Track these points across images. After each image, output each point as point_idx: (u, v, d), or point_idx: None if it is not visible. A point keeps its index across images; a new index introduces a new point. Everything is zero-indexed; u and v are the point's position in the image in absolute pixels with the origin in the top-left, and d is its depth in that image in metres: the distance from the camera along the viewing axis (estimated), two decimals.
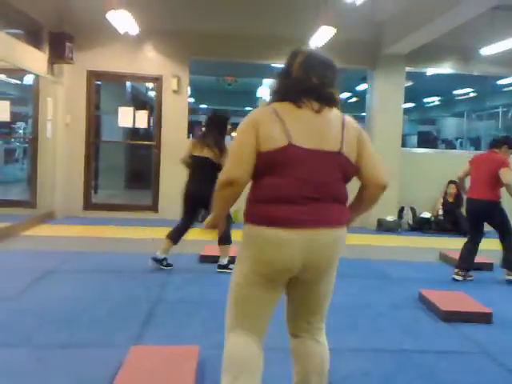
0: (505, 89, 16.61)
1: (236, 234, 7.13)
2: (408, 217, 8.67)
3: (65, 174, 8.16)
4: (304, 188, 2.03)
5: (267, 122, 2.05)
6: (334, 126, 2.10)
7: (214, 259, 5.55)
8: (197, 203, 5.11)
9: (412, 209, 8.68)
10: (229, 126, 5.35)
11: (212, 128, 5.21)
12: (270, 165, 2.04)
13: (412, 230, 8.47)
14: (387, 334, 3.70)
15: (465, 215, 5.73)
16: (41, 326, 3.50)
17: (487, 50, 8.04)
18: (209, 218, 2.30)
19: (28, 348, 3.17)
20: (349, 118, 2.17)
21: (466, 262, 5.41)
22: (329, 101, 2.13)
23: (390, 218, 8.46)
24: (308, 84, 2.12)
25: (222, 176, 2.07)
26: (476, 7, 6.04)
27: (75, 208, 8.29)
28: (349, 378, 2.95)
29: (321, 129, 2.08)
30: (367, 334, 3.69)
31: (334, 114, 2.14)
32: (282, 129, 2.03)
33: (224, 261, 5.28)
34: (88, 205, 8.38)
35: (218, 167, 4.73)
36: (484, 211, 5.36)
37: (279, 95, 2.15)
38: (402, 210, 8.70)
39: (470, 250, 5.43)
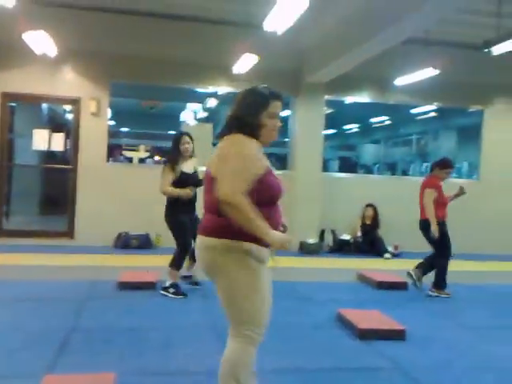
0: (418, 117, 17.66)
1: (158, 260, 7.02)
2: (329, 239, 8.91)
3: None
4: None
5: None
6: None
7: (132, 285, 5.43)
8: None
9: (333, 231, 8.93)
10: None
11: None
12: None
13: (332, 252, 8.70)
14: (306, 354, 3.75)
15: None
16: None
17: (401, 81, 8.54)
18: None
19: None
20: (228, 140, 2.41)
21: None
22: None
23: (312, 240, 8.65)
24: None
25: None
26: (388, 40, 6.40)
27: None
28: None
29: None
30: (287, 354, 3.72)
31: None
32: None
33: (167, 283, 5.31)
34: (2, 231, 7.95)
35: None
36: None
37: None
38: (323, 233, 8.92)
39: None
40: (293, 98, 9.34)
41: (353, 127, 23.28)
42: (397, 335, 4.17)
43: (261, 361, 3.52)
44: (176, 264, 5.31)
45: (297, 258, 8.18)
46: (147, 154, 9.21)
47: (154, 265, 6.86)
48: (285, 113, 15.45)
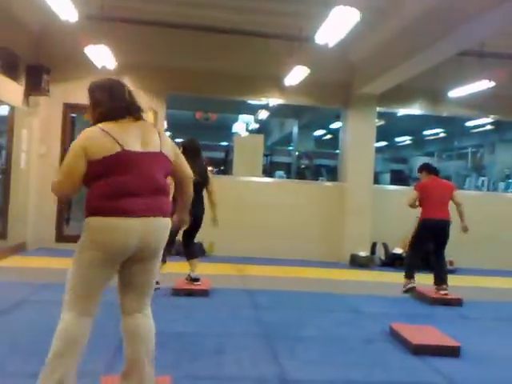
0: (473, 130, 17.20)
1: (211, 268, 7.15)
2: (380, 252, 8.80)
3: (37, 205, 8.08)
4: (138, 183, 2.51)
5: (96, 138, 2.50)
6: (150, 132, 2.64)
7: (186, 292, 5.56)
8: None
9: (384, 245, 8.81)
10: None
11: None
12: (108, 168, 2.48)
13: (384, 266, 8.58)
14: (359, 367, 3.72)
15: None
16: (11, 356, 3.45)
17: (455, 93, 8.39)
18: None
19: (0, 376, 3.12)
20: (159, 127, 2.72)
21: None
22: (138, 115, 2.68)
23: (363, 253, 8.57)
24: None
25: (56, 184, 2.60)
26: (443, 52, 6.34)
27: (47, 239, 8.18)
28: None
29: (137, 134, 2.58)
30: (340, 367, 3.71)
31: (146, 124, 2.71)
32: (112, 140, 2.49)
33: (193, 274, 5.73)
34: (60, 236, 8.28)
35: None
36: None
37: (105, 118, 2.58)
38: (374, 246, 8.82)
39: None
40: (344, 110, 9.33)
41: (405, 139, 22.90)
42: (451, 352, 4.07)
43: (313, 371, 3.55)
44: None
45: (348, 271, 8.13)
46: None
47: (207, 273, 6.98)
48: (336, 125, 15.54)
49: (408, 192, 6.94)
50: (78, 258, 2.56)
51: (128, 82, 8.50)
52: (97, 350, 3.71)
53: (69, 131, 8.57)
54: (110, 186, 2.48)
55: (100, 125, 2.55)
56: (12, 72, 7.51)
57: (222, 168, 17.28)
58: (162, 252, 2.69)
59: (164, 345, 3.90)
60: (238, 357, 3.74)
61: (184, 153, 5.56)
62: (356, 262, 8.50)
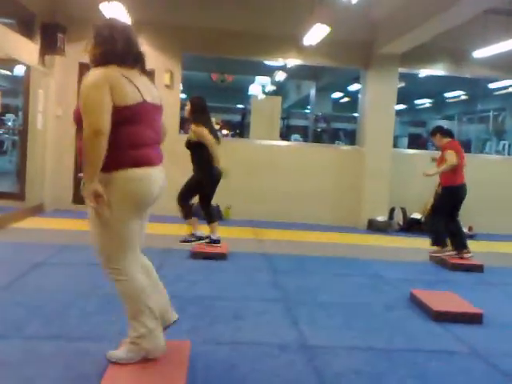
0: (496, 92, 16.74)
1: (228, 231, 7.13)
2: (398, 217, 8.69)
3: (55, 167, 8.07)
4: (152, 134, 2.60)
5: (121, 84, 2.44)
6: (153, 85, 2.72)
7: (204, 255, 5.54)
8: None
9: (402, 209, 8.70)
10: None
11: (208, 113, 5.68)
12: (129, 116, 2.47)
13: (402, 231, 8.49)
14: (379, 334, 3.68)
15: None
16: (31, 318, 3.45)
17: (480, 53, 8.08)
18: (92, 188, 2.39)
19: (18, 339, 3.12)
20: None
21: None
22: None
23: (381, 218, 8.48)
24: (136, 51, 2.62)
25: (88, 128, 2.35)
26: (470, 9, 6.05)
27: (64, 201, 8.20)
28: (341, 376, 2.92)
29: (150, 86, 2.65)
30: (361, 333, 3.67)
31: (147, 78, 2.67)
32: (134, 88, 2.48)
33: (214, 236, 5.81)
34: (77, 198, 8.29)
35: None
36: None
37: (115, 60, 2.50)
38: (392, 211, 8.71)
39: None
40: (363, 71, 9.07)
41: (425, 102, 22.42)
42: (474, 319, 4.02)
43: (333, 338, 3.52)
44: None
45: (366, 236, 8.06)
46: (218, 127, 9.28)
47: (225, 236, 6.96)
48: (354, 87, 15.21)
49: (425, 155, 6.75)
50: (111, 217, 2.49)
51: (143, 41, 8.42)
52: (117, 311, 3.71)
53: None
54: (131, 135, 2.47)
55: (116, 68, 2.47)
56: (27, 31, 7.40)
57: (237, 131, 17.14)
58: None
59: (183, 309, 3.89)
60: (257, 322, 3.72)
61: (192, 110, 5.58)
62: (374, 227, 8.42)
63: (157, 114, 2.67)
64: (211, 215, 5.88)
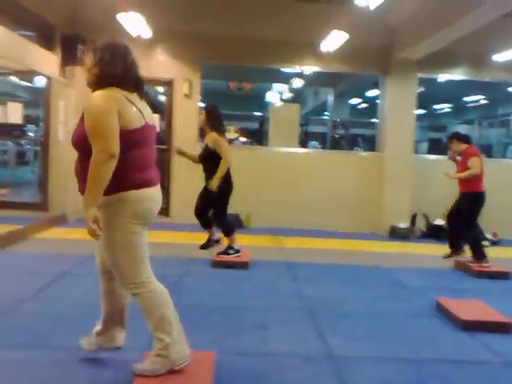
0: None
1: (249, 240, 7.11)
2: (421, 224, 8.58)
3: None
4: (152, 156, 2.70)
5: (127, 107, 2.50)
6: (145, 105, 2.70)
7: (226, 264, 5.52)
8: None
9: (425, 216, 8.59)
10: None
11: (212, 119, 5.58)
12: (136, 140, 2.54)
13: (425, 237, 8.37)
14: (406, 343, 3.62)
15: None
16: (56, 329, 3.46)
17: (500, 57, 7.99)
18: (91, 215, 2.44)
19: (44, 350, 3.13)
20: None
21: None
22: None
23: (403, 224, 8.38)
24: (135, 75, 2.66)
25: (101, 153, 2.39)
26: (489, 14, 5.98)
27: None
28: None
29: (147, 110, 2.69)
30: (387, 343, 3.61)
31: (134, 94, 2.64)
32: (138, 110, 2.54)
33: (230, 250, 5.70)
34: None
35: None
36: None
37: (115, 83, 2.54)
38: (414, 217, 8.61)
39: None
40: (382, 77, 9.02)
41: (444, 107, 22.20)
42: (502, 328, 3.92)
43: (359, 348, 3.47)
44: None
45: (388, 243, 7.97)
46: (237, 135, 9.29)
47: (246, 244, 6.93)
48: (372, 93, 15.11)
49: (446, 160, 6.63)
50: (120, 239, 2.58)
51: (163, 51, 8.49)
52: (140, 322, 3.71)
53: None
54: (141, 158, 2.57)
55: (118, 90, 2.50)
56: (47, 42, 7.49)
57: (255, 139, 17.14)
58: None
59: (207, 318, 3.89)
60: (282, 332, 3.68)
61: (208, 118, 5.55)
62: (396, 234, 8.32)
63: (153, 135, 2.75)
64: (228, 228, 5.71)
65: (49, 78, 7.75)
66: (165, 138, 8.57)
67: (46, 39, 7.50)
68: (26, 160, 12.15)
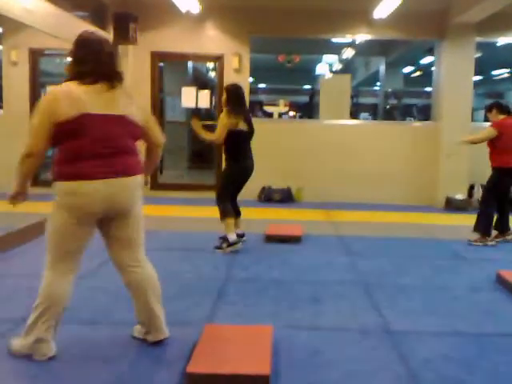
0: None
1: (301, 214, 7.10)
2: (478, 195, 8.29)
3: None
4: (99, 146, 2.54)
5: (60, 100, 2.48)
6: (118, 96, 2.63)
7: (279, 238, 5.54)
8: (250, 176, 5.29)
9: (483, 186, 8.29)
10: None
11: (243, 101, 5.24)
12: (70, 131, 2.50)
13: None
14: (466, 317, 3.54)
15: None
16: (116, 304, 3.57)
17: None
18: (14, 191, 2.66)
19: (106, 325, 3.25)
20: (129, 92, 2.73)
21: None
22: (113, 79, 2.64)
23: (460, 196, 8.14)
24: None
25: (24, 148, 2.51)
26: None
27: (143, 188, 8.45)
28: (429, 362, 2.83)
29: (105, 98, 2.58)
30: (446, 317, 3.54)
31: (118, 88, 2.64)
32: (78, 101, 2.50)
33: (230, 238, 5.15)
34: (155, 185, 8.54)
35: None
36: None
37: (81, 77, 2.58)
38: (472, 188, 8.34)
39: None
40: (437, 42, 8.69)
41: (502, 72, 21.17)
42: None
43: (416, 322, 3.42)
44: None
45: (444, 215, 7.78)
46: (287, 109, 9.22)
47: (297, 218, 6.95)
48: (426, 60, 14.59)
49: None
50: (52, 219, 2.63)
51: (212, 26, 8.46)
52: (198, 296, 3.81)
53: (158, 80, 8.66)
54: (69, 150, 2.53)
55: (70, 85, 2.56)
56: (100, 21, 7.60)
57: (305, 112, 16.96)
58: (138, 206, 2.78)
59: (263, 292, 3.93)
60: (337, 306, 3.68)
61: (228, 97, 5.30)
62: (452, 206, 8.10)
63: (110, 124, 2.58)
64: (222, 212, 5.18)
65: None
66: (216, 113, 8.61)
67: (98, 18, 7.61)
68: None
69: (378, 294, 3.94)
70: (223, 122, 4.99)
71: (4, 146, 7.45)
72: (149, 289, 2.86)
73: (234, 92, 5.14)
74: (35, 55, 8.40)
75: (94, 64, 2.59)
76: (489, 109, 6.03)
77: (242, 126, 5.06)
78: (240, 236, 5.30)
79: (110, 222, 2.71)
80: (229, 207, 5.20)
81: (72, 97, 2.50)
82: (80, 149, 2.52)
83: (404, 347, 3.00)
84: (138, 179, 2.73)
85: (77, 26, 6.63)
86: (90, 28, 7.11)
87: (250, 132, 5.18)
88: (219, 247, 5.17)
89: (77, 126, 2.49)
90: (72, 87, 2.54)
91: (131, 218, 2.75)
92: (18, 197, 2.70)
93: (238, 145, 5.11)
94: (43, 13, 5.68)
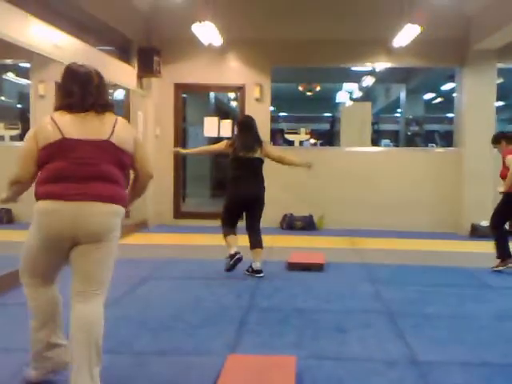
0: None
1: (323, 241, 7.08)
2: None
3: (155, 184, 8.44)
4: (75, 169, 2.53)
5: (44, 127, 2.57)
6: (104, 123, 2.62)
7: (302, 266, 5.53)
8: (249, 203, 5.31)
9: None
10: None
11: (248, 130, 5.38)
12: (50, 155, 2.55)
13: (509, 236, 7.94)
14: (493, 347, 3.46)
15: None
16: (140, 333, 3.59)
17: None
18: (5, 197, 2.75)
19: (128, 354, 3.25)
20: (122, 120, 2.70)
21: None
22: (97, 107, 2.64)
23: (485, 222, 8.00)
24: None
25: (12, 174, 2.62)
26: None
27: (166, 216, 8.56)
28: None
29: (90, 125, 2.59)
30: (472, 346, 3.47)
31: (107, 116, 2.64)
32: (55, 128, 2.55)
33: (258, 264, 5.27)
34: (178, 213, 8.63)
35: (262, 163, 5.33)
36: None
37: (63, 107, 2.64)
38: None
39: None
40: (458, 69, 8.71)
41: None
42: None
43: (443, 352, 3.36)
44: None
45: (469, 242, 7.67)
46: (308, 137, 9.30)
47: (320, 246, 6.93)
48: (447, 86, 14.56)
49: None
50: (28, 237, 2.67)
51: (233, 57, 8.65)
52: (220, 325, 3.81)
53: (181, 111, 8.83)
54: (47, 171, 2.57)
55: (55, 114, 2.63)
56: (125, 55, 7.84)
57: (325, 140, 17.01)
58: (108, 238, 2.58)
59: (286, 321, 3.92)
60: (362, 335, 3.64)
61: (238, 128, 5.64)
62: (477, 233, 7.98)
63: (91, 149, 2.56)
64: (222, 233, 5.41)
65: (127, 90, 8.09)
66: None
67: (124, 53, 7.86)
68: None
69: (403, 323, 3.89)
70: (220, 145, 5.56)
71: None
72: (80, 326, 2.50)
73: (241, 122, 5.63)
74: None
75: (80, 96, 2.62)
76: (497, 140, 5.94)
77: (247, 154, 5.21)
78: (256, 272, 5.23)
79: (77, 248, 2.57)
80: (225, 228, 5.39)
81: (55, 124, 2.56)
82: (56, 171, 2.54)
83: (431, 378, 2.95)
84: (114, 208, 2.59)
85: (103, 60, 6.85)
86: (116, 62, 7.34)
87: (249, 159, 5.23)
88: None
89: (56, 149, 2.54)
90: (57, 116, 2.61)
91: (98, 248, 2.56)
92: (8, 202, 2.81)
93: (231, 170, 5.33)
94: (71, 48, 5.88)
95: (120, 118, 2.71)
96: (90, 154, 2.56)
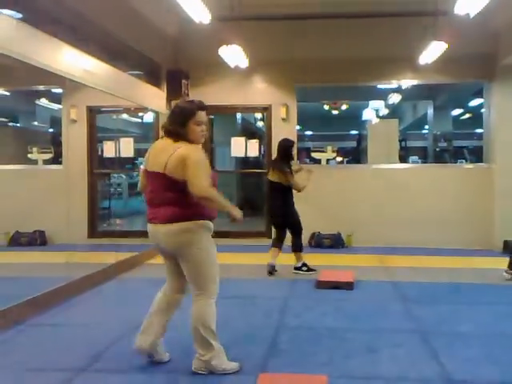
0: None
1: (352, 259, 7.03)
2: None
3: None
4: (149, 196, 3.21)
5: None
6: (164, 153, 3.09)
7: (331, 285, 5.49)
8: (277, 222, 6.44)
9: None
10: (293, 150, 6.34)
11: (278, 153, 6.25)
12: None
13: None
14: None
15: None
16: (172, 352, 3.62)
17: None
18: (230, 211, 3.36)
19: (162, 373, 3.30)
20: (180, 149, 3.07)
21: None
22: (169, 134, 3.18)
23: None
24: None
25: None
26: None
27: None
28: None
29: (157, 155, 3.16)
30: (507, 365, 3.39)
31: (170, 144, 3.12)
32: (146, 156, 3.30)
33: (299, 264, 6.22)
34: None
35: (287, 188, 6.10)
36: None
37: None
38: None
39: None
40: (486, 84, 8.63)
41: None
42: None
43: (478, 372, 3.29)
44: (301, 247, 6.25)
45: (502, 259, 7.46)
46: (334, 155, 9.29)
47: (349, 264, 6.88)
48: (475, 102, 14.43)
49: None
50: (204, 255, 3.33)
51: (259, 78, 8.75)
52: (251, 344, 3.81)
53: (208, 132, 8.93)
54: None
55: (166, 139, 3.24)
56: (154, 79, 8.02)
57: (352, 157, 16.97)
58: (186, 253, 3.15)
59: (317, 341, 3.90)
60: (394, 354, 3.60)
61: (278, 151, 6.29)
62: (510, 249, 7.80)
63: (154, 179, 3.15)
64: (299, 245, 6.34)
65: (157, 113, 8.26)
66: (264, 162, 8.78)
67: (152, 76, 8.04)
68: (137, 191, 12.87)
69: (435, 342, 3.83)
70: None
71: (63, 200, 7.78)
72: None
73: (279, 146, 6.33)
74: (92, 112, 8.87)
75: (180, 126, 3.17)
76: None
77: (270, 176, 6.26)
78: (271, 267, 6.13)
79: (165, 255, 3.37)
80: (272, 239, 6.46)
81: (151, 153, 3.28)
82: (146, 197, 3.27)
83: None
84: (174, 227, 3.08)
85: (134, 84, 7.03)
86: (146, 86, 7.51)
87: (272, 182, 6.20)
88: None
89: (144, 177, 3.32)
90: (166, 141, 3.22)
91: (183, 261, 3.21)
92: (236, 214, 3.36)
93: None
94: (102, 74, 6.05)
95: (180, 148, 3.08)
96: (154, 183, 3.17)
